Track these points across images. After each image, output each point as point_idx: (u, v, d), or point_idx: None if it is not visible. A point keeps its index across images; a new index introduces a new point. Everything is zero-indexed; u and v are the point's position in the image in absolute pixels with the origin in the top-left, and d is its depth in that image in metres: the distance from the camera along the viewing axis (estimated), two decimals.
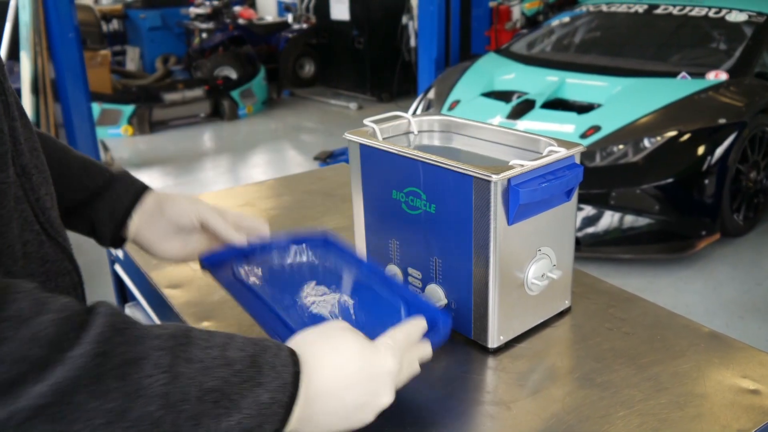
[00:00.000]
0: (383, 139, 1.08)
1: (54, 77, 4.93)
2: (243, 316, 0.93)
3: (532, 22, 7.03)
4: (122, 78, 7.82)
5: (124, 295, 1.52)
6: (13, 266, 0.72)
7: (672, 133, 3.62)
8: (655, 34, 4.71)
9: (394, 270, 1.05)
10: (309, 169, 3.65)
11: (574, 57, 4.70)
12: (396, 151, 0.99)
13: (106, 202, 0.97)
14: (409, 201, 0.99)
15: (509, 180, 0.87)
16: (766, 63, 4.21)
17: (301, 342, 0.71)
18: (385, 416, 0.71)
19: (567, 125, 3.75)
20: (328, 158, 5.44)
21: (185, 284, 1.16)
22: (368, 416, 0.72)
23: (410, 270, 1.03)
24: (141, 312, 1.44)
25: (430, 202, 0.96)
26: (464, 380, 0.90)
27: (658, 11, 4.75)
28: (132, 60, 9.00)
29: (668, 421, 0.81)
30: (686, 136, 3.65)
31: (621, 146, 3.60)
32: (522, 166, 0.89)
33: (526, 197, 0.88)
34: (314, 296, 0.94)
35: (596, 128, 3.68)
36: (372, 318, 0.90)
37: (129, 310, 1.48)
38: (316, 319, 0.89)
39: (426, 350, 0.79)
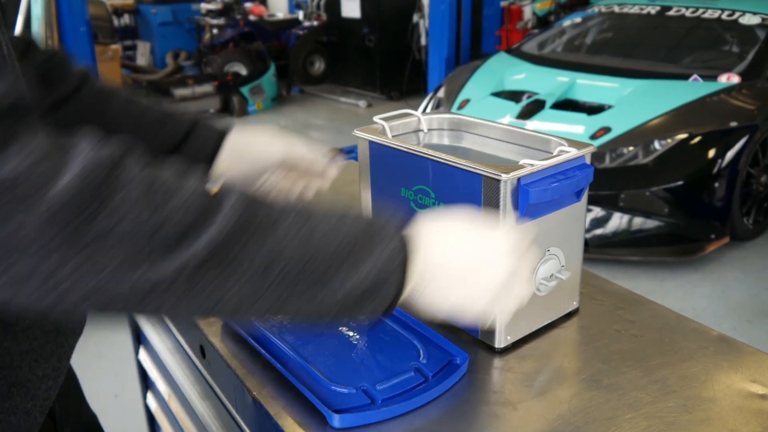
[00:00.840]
0: (392, 136, 1.08)
1: None
2: None
3: (543, 22, 7.01)
4: (133, 73, 7.84)
5: None
6: None
7: (683, 136, 3.61)
8: (667, 35, 4.69)
9: None
10: None
11: (585, 58, 4.69)
12: (405, 149, 0.99)
13: (189, 150, 0.99)
14: (417, 199, 0.98)
15: (519, 179, 0.87)
16: None
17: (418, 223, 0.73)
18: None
19: (577, 126, 3.74)
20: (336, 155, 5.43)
21: None
22: (488, 288, 0.72)
23: None
24: None
25: (439, 200, 0.95)
26: (470, 380, 0.90)
27: (671, 13, 4.73)
28: (143, 55, 9.02)
29: (676, 425, 0.81)
30: (697, 139, 3.63)
31: (631, 148, 3.59)
32: (532, 165, 0.88)
33: (536, 197, 0.87)
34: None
35: (606, 129, 3.67)
36: (389, 356, 0.91)
37: None
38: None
39: (529, 264, 0.78)
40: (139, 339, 1.55)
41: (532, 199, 0.87)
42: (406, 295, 0.69)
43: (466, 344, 0.97)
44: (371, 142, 1.05)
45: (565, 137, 0.99)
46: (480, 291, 0.72)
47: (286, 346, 0.92)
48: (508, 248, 0.73)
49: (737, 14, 4.48)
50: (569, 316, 1.04)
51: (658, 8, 4.82)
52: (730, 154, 3.63)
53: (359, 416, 0.80)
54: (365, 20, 7.78)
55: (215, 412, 1.10)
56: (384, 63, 7.78)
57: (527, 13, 7.09)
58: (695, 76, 4.03)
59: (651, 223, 3.58)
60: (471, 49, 6.55)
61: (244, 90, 7.29)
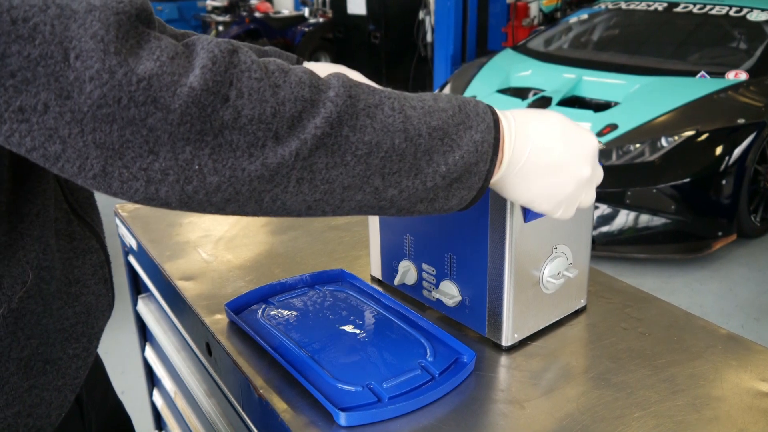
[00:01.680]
0: None
1: None
2: None
3: (549, 18, 6.99)
4: None
5: (137, 286, 1.52)
6: (50, 239, 0.78)
7: (690, 133, 3.59)
8: (674, 32, 4.67)
9: (407, 265, 1.04)
10: None
11: (591, 54, 4.67)
12: None
13: None
14: None
15: None
16: None
17: (506, 111, 0.77)
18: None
19: (583, 123, 3.72)
20: None
21: (198, 276, 1.16)
22: (570, 185, 0.77)
23: (424, 266, 1.02)
24: (154, 303, 1.45)
25: None
26: (477, 378, 0.89)
27: (678, 9, 4.71)
28: None
29: (684, 424, 0.80)
30: (704, 136, 3.62)
31: (638, 145, 3.58)
32: None
33: None
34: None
35: (613, 126, 3.66)
36: (395, 354, 0.91)
37: (142, 302, 1.48)
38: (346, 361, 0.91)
39: (600, 173, 0.83)
40: (145, 336, 1.55)
41: None
42: (496, 179, 0.74)
43: (473, 342, 0.96)
44: None
45: None
46: (561, 187, 0.77)
47: (293, 344, 0.92)
48: (594, 150, 0.78)
49: (745, 11, 4.46)
50: (577, 314, 1.03)
51: (665, 4, 4.80)
52: (737, 152, 3.62)
53: (365, 414, 0.80)
54: (371, 17, 7.77)
55: (221, 410, 1.10)
56: (390, 60, 7.78)
57: (533, 9, 7.07)
58: (702, 73, 4.02)
59: (658, 221, 3.57)
60: (477, 45, 6.54)
61: None
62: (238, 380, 0.93)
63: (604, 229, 3.59)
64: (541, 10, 7.13)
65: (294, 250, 1.26)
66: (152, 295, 1.39)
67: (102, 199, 0.93)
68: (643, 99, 3.87)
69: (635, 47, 4.70)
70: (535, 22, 7.01)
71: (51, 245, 0.78)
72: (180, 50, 0.56)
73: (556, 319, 1.00)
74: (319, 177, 0.62)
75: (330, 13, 8.41)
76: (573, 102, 4.01)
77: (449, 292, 0.98)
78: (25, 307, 0.75)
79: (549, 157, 0.75)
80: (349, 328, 0.97)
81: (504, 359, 0.93)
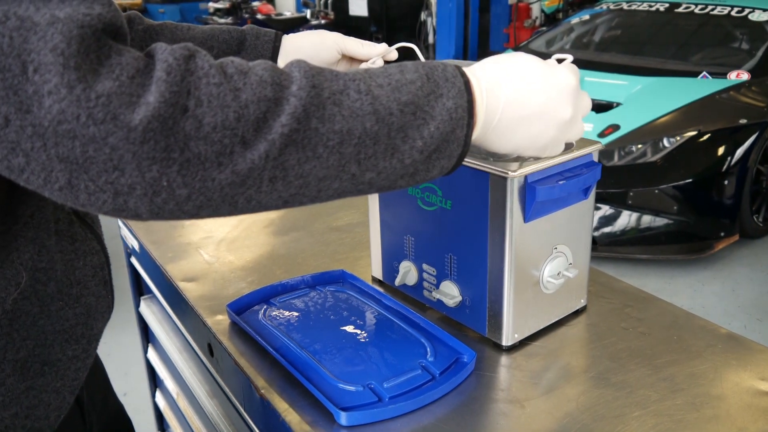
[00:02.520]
0: None
1: None
2: None
3: (551, 19, 6.99)
4: None
5: (140, 287, 1.53)
6: (47, 240, 0.77)
7: (692, 133, 3.59)
8: (676, 32, 4.67)
9: (408, 266, 1.05)
10: None
11: (593, 55, 4.67)
12: None
13: (247, 56, 1.03)
14: (424, 197, 0.98)
15: (526, 177, 0.87)
16: None
17: (473, 67, 0.75)
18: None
19: (585, 124, 3.71)
20: None
21: (200, 277, 1.17)
22: (550, 130, 0.75)
23: (425, 266, 1.02)
24: (156, 305, 1.45)
25: (446, 198, 0.95)
26: (478, 378, 0.90)
27: (680, 10, 4.71)
28: None
29: (684, 422, 0.80)
30: (706, 136, 3.61)
31: (640, 145, 3.58)
32: (539, 162, 0.88)
33: (543, 195, 0.87)
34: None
35: (615, 127, 3.66)
36: (396, 354, 0.91)
37: (144, 303, 1.49)
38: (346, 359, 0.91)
39: (587, 102, 0.81)
40: (147, 338, 1.56)
41: (540, 197, 0.87)
42: (474, 139, 0.72)
43: (474, 342, 0.97)
44: None
45: None
46: (542, 133, 0.75)
47: (294, 344, 0.93)
48: (571, 87, 0.76)
49: (747, 11, 4.45)
50: (577, 313, 1.03)
51: (666, 5, 4.80)
52: (739, 152, 3.61)
53: (366, 414, 0.80)
54: (373, 18, 7.78)
55: (223, 410, 1.10)
56: (391, 62, 7.78)
57: (535, 10, 7.08)
58: (704, 73, 4.02)
59: (660, 221, 3.57)
60: (479, 46, 6.54)
61: None
62: (240, 381, 0.94)
63: (607, 229, 3.59)
64: (542, 11, 7.13)
65: (295, 251, 1.26)
66: (154, 296, 1.39)
67: None
68: (645, 99, 3.87)
69: (637, 48, 4.70)
70: (537, 23, 7.01)
71: (48, 246, 0.78)
72: (141, 65, 0.55)
73: (557, 319, 1.01)
74: (292, 173, 0.60)
75: (332, 15, 8.42)
76: None
77: (450, 293, 0.98)
78: (20, 308, 0.75)
79: (523, 108, 0.73)
80: (350, 328, 0.97)
81: (504, 359, 0.94)
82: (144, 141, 0.53)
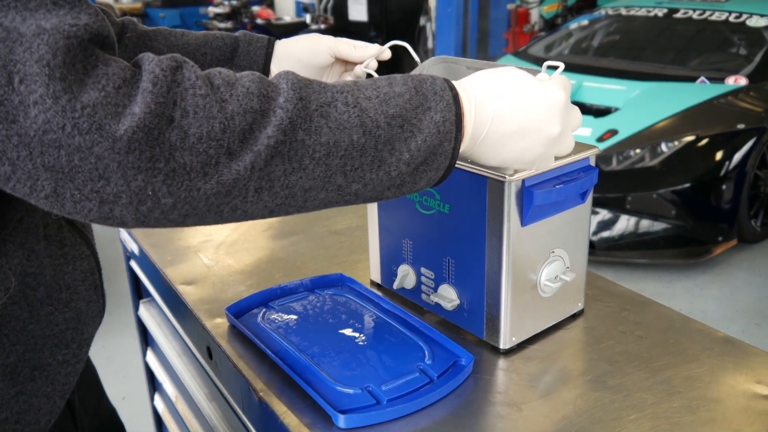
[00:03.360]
0: None
1: None
2: None
3: (550, 24, 7.01)
4: None
5: (139, 291, 1.53)
6: (36, 245, 0.77)
7: (690, 138, 3.60)
8: (674, 38, 4.68)
9: (406, 269, 1.05)
10: None
11: (592, 60, 4.68)
12: None
13: (240, 62, 1.03)
14: (422, 201, 0.99)
15: (523, 181, 0.87)
16: None
17: (463, 81, 0.75)
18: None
19: (584, 128, 3.73)
20: None
21: (199, 281, 1.17)
22: (538, 146, 0.75)
23: (423, 270, 1.03)
24: (155, 308, 1.45)
25: (444, 202, 0.96)
26: (475, 381, 0.90)
27: (678, 15, 4.72)
28: None
29: (680, 425, 0.81)
30: (704, 141, 3.62)
31: (638, 150, 3.58)
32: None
33: (541, 199, 0.87)
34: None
35: (613, 132, 3.66)
36: (394, 357, 0.92)
37: (143, 307, 1.49)
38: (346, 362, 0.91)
39: (577, 117, 0.80)
40: (146, 341, 1.56)
41: (537, 201, 0.87)
42: (461, 152, 0.73)
43: (471, 345, 0.97)
44: None
45: None
46: (530, 149, 0.75)
47: (292, 347, 0.93)
48: (559, 103, 0.75)
49: (744, 16, 4.47)
50: (574, 317, 1.04)
51: (665, 10, 4.81)
52: (737, 157, 3.62)
53: (364, 416, 0.81)
54: (372, 23, 7.79)
55: (222, 413, 1.10)
56: (391, 66, 7.79)
57: (534, 15, 7.09)
58: (702, 78, 4.03)
59: (658, 226, 3.58)
60: (478, 52, 6.55)
61: None
62: (239, 383, 0.94)
63: (605, 234, 3.59)
64: (541, 16, 7.15)
65: (294, 255, 1.26)
66: (153, 299, 1.40)
67: None
68: (643, 104, 3.88)
69: (635, 53, 4.71)
70: (536, 28, 7.03)
71: (37, 251, 0.77)
72: (128, 75, 0.55)
73: (554, 323, 1.01)
74: (278, 184, 0.61)
75: (331, 20, 8.43)
76: None
77: (448, 296, 0.99)
78: (10, 313, 0.75)
79: (511, 124, 0.73)
80: (348, 331, 0.98)
81: (502, 362, 0.94)
82: (129, 151, 0.54)
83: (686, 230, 3.62)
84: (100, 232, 1.00)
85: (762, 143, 3.70)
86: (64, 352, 0.83)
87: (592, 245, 3.54)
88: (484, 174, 0.88)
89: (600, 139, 3.63)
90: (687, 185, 3.55)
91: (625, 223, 3.58)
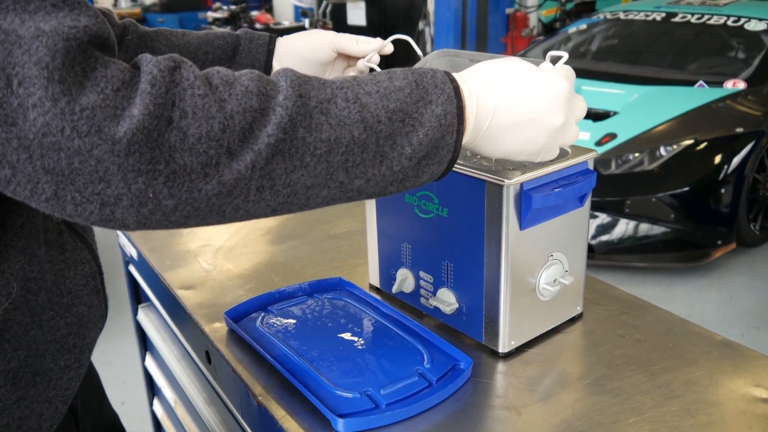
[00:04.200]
0: None
1: None
2: None
3: (548, 29, 7.01)
4: None
5: (138, 295, 1.53)
6: (38, 250, 0.77)
7: (688, 142, 3.60)
8: (672, 42, 4.69)
9: (405, 273, 1.05)
10: None
11: (590, 64, 4.69)
12: None
13: (242, 60, 1.03)
14: (421, 205, 0.99)
15: (522, 185, 0.87)
16: None
17: (464, 73, 0.75)
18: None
19: (582, 132, 3.74)
20: None
21: (198, 285, 1.17)
22: (541, 137, 0.75)
23: (422, 273, 1.03)
24: (154, 313, 1.45)
25: (443, 206, 0.96)
26: (474, 385, 0.90)
27: (676, 19, 4.73)
28: None
29: (679, 429, 0.81)
30: (703, 145, 3.63)
31: (637, 154, 3.59)
32: (535, 170, 0.89)
33: (539, 202, 0.88)
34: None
35: (612, 136, 3.67)
36: (393, 361, 0.92)
37: (142, 311, 1.49)
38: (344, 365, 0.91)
39: (581, 106, 0.80)
40: (145, 346, 1.56)
41: (535, 205, 0.87)
42: (464, 145, 0.72)
43: (470, 349, 0.97)
44: None
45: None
46: (533, 140, 0.75)
47: (291, 352, 0.93)
48: (563, 93, 0.75)
49: (743, 20, 4.47)
50: (573, 321, 1.04)
51: (663, 14, 4.82)
52: (736, 160, 3.62)
53: (363, 421, 0.81)
54: (371, 28, 7.80)
55: (221, 418, 1.10)
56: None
57: (533, 20, 7.10)
58: (701, 82, 4.03)
59: (657, 230, 3.58)
60: None
61: None
62: (238, 388, 0.94)
63: (604, 238, 3.59)
64: (540, 20, 7.16)
65: (293, 259, 1.26)
66: (152, 304, 1.40)
67: None
68: (642, 108, 3.88)
69: (634, 57, 4.71)
70: (534, 32, 7.03)
71: (38, 256, 0.77)
72: (127, 77, 0.55)
73: (553, 326, 1.01)
74: (279, 182, 0.60)
75: (330, 24, 8.44)
76: None
77: (446, 300, 0.99)
78: (11, 318, 0.74)
79: (513, 115, 0.73)
80: (347, 335, 0.98)
81: (501, 366, 0.94)
82: (129, 153, 0.53)
83: (685, 234, 3.62)
84: (98, 236, 1.00)
85: (761, 147, 3.70)
86: (66, 357, 0.83)
87: (592, 249, 3.54)
88: (483, 178, 0.88)
89: (599, 143, 3.64)
90: (686, 189, 3.56)
91: (624, 227, 3.58)
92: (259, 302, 1.07)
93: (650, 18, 4.87)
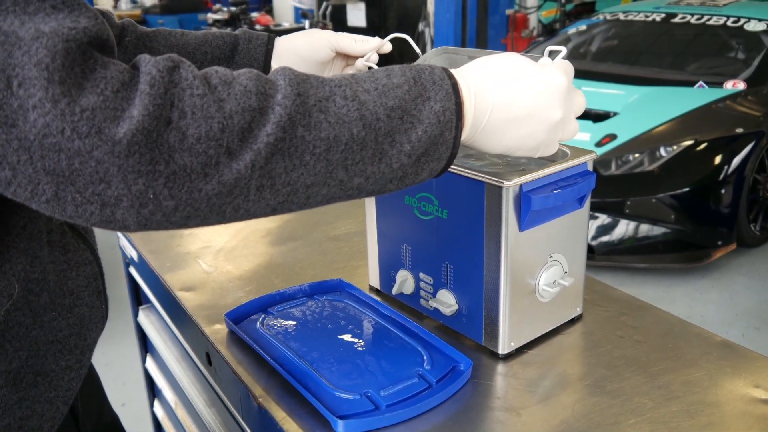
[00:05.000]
0: None
1: None
2: None
3: (548, 30, 7.02)
4: None
5: (138, 297, 1.53)
6: (40, 251, 0.77)
7: (688, 143, 3.61)
8: (672, 42, 4.69)
9: (405, 275, 1.05)
10: None
11: (590, 65, 4.69)
12: None
13: (241, 60, 1.03)
14: (421, 206, 0.99)
15: (521, 186, 0.87)
16: None
17: (462, 69, 0.75)
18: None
19: (582, 133, 3.74)
20: None
21: (198, 287, 1.17)
22: (540, 132, 0.75)
23: (422, 275, 1.03)
24: (155, 314, 1.46)
25: (443, 207, 0.96)
26: (474, 386, 0.90)
27: (676, 20, 4.73)
28: None
29: (679, 430, 0.81)
30: (703, 146, 3.63)
31: (637, 155, 3.59)
32: (534, 172, 0.89)
33: (538, 204, 0.88)
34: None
35: (612, 137, 3.67)
36: (393, 363, 0.92)
37: (143, 313, 1.49)
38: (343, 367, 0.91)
39: (580, 101, 0.80)
40: (146, 347, 1.56)
41: (535, 206, 0.87)
42: (463, 141, 0.72)
43: (470, 350, 0.97)
44: None
45: (568, 144, 1.00)
46: (532, 136, 0.75)
47: (291, 353, 0.93)
48: (561, 88, 0.75)
49: (742, 21, 4.48)
50: (573, 322, 1.04)
51: (663, 15, 4.82)
52: (736, 161, 3.63)
53: (363, 422, 0.81)
54: (371, 29, 7.80)
55: (221, 419, 1.10)
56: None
57: (532, 21, 7.10)
58: (701, 82, 4.03)
59: (657, 230, 3.58)
60: None
61: None
62: (238, 389, 0.94)
63: (604, 238, 3.60)
64: (540, 21, 7.16)
65: (293, 261, 1.27)
66: (153, 306, 1.40)
67: None
68: (642, 109, 3.89)
69: (634, 58, 4.72)
70: (534, 33, 7.03)
71: (40, 257, 0.77)
72: (126, 78, 0.55)
73: (552, 328, 1.01)
74: (279, 181, 0.61)
75: (330, 26, 8.45)
76: None
77: (446, 301, 0.99)
78: (13, 319, 0.75)
79: (512, 110, 0.72)
80: (347, 337, 0.98)
81: (500, 367, 0.94)
82: (129, 154, 0.54)
83: (685, 235, 3.62)
84: (99, 238, 1.00)
85: (760, 147, 3.71)
86: (68, 358, 0.83)
87: (592, 250, 3.54)
88: (482, 179, 0.89)
89: (599, 144, 3.64)
90: (686, 190, 3.56)
91: (624, 228, 3.58)
92: (260, 304, 1.07)
93: (650, 19, 4.87)
